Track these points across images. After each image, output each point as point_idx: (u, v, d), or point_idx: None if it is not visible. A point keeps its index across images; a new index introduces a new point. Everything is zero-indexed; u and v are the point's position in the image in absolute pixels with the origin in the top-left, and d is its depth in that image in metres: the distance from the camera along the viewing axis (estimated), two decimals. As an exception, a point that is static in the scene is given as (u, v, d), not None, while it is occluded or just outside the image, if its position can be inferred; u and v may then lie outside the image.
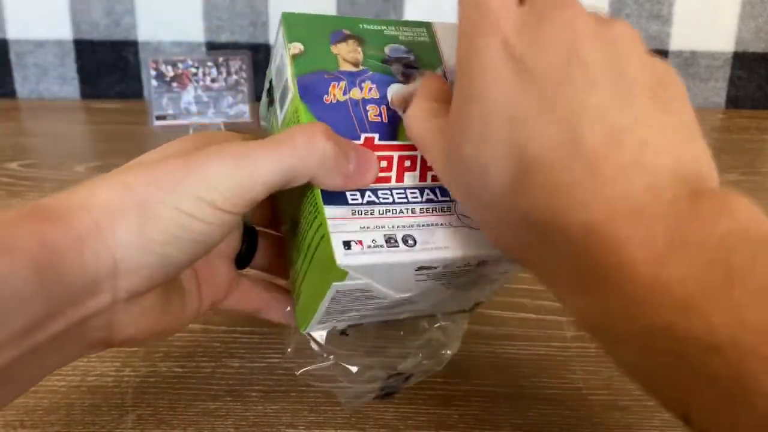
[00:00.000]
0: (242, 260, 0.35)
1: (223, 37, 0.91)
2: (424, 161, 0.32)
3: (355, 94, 0.33)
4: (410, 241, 0.30)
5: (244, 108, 0.76)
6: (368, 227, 0.30)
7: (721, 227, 0.21)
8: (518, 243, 0.27)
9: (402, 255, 0.30)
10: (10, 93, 0.92)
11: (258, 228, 0.36)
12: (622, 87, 0.24)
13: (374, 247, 0.30)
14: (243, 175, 0.27)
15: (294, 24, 0.34)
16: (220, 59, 0.80)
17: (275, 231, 0.36)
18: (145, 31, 0.90)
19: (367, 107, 0.33)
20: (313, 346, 0.34)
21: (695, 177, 0.23)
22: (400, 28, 0.35)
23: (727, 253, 0.20)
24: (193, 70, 0.79)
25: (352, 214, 0.30)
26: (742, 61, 0.88)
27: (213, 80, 0.76)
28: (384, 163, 0.32)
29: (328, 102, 0.32)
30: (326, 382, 0.34)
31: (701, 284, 0.20)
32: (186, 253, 0.27)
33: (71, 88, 0.92)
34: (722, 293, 0.19)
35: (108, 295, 0.26)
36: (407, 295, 0.32)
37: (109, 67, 0.91)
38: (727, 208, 0.21)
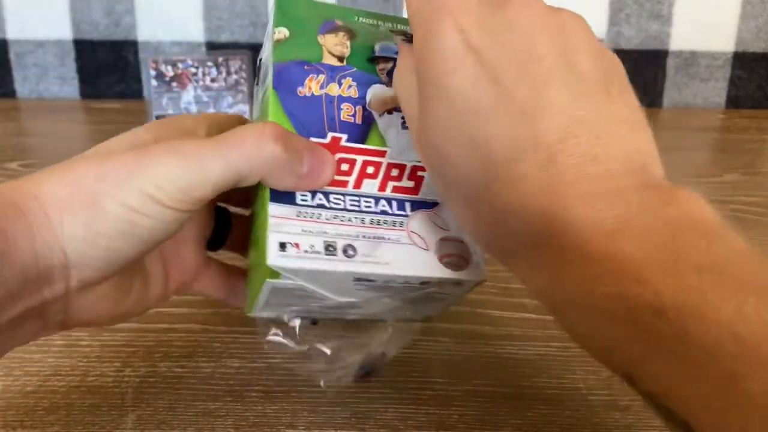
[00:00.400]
0: (213, 243, 0.35)
1: (223, 37, 0.91)
2: (387, 170, 0.31)
3: (332, 89, 0.32)
4: (350, 252, 0.30)
5: (244, 108, 0.76)
6: (311, 231, 0.29)
7: (667, 213, 0.23)
8: (481, 225, 0.27)
9: (337, 264, 0.29)
10: (10, 93, 0.92)
11: (233, 209, 0.36)
12: (575, 80, 0.25)
13: (311, 252, 0.29)
14: (190, 174, 0.27)
15: (286, 7, 0.33)
16: (220, 59, 0.80)
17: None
18: (145, 31, 0.90)
19: (342, 105, 0.32)
20: (284, 339, 0.34)
21: (641, 167, 0.25)
22: (397, 25, 0.34)
23: (672, 236, 0.22)
24: (193, 69, 0.79)
25: (297, 215, 0.30)
26: (742, 61, 0.88)
27: (213, 80, 0.76)
28: (345, 166, 0.31)
29: (302, 95, 0.32)
30: (305, 369, 0.34)
31: (649, 260, 0.22)
32: (134, 248, 0.27)
33: (71, 88, 0.92)
34: (667, 267, 0.21)
35: (61, 284, 0.26)
36: (350, 299, 0.32)
37: (109, 67, 0.91)
38: (674, 197, 0.23)
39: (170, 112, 0.74)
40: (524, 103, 0.25)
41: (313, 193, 0.30)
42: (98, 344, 0.39)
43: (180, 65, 0.79)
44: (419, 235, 0.31)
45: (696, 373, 0.20)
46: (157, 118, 0.73)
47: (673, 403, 0.21)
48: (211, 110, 0.75)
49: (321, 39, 0.33)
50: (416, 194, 0.32)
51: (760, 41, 0.87)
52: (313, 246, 0.29)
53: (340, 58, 0.33)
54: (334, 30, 0.33)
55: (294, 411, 0.35)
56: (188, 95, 0.75)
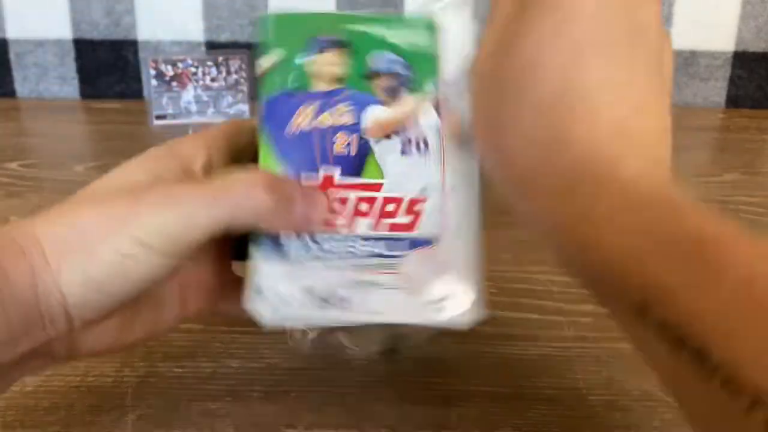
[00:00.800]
0: (240, 252, 0.33)
1: (223, 37, 0.91)
2: (382, 206, 0.30)
3: (325, 120, 0.30)
4: (338, 301, 0.29)
5: (244, 107, 0.76)
6: (294, 277, 0.29)
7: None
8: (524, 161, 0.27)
9: (314, 313, 0.29)
10: (10, 93, 0.92)
11: None
12: (629, 53, 0.26)
13: (293, 300, 0.29)
14: (180, 223, 0.27)
15: (274, 28, 0.31)
16: (220, 59, 0.80)
17: None
18: (145, 31, 0.90)
19: (336, 136, 0.30)
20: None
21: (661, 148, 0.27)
22: (396, 28, 0.31)
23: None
24: (193, 69, 0.79)
25: (281, 259, 0.30)
26: (742, 60, 0.88)
27: (213, 80, 0.76)
28: (338, 205, 0.30)
29: (290, 134, 0.30)
30: (332, 348, 0.35)
31: (674, 192, 0.24)
32: (128, 291, 0.28)
33: (71, 88, 0.92)
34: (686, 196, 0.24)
35: (63, 324, 0.27)
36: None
37: (108, 67, 0.91)
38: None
39: (170, 111, 0.74)
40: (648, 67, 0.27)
41: (303, 238, 0.30)
42: (98, 344, 0.39)
43: (180, 65, 0.79)
44: (412, 279, 0.30)
45: (724, 296, 0.20)
46: (157, 117, 0.73)
47: (688, 328, 0.21)
48: (211, 110, 0.75)
49: (310, 62, 0.31)
50: (412, 231, 0.30)
51: (760, 41, 0.87)
52: (293, 294, 0.29)
53: (333, 80, 0.31)
54: (323, 48, 0.31)
55: (294, 411, 0.35)
56: (188, 95, 0.75)
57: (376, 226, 0.30)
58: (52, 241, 0.27)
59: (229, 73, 0.77)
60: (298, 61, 0.31)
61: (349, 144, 0.30)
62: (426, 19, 0.31)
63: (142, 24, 0.90)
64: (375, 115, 0.31)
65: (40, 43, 0.91)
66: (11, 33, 0.90)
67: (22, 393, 0.35)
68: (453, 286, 0.30)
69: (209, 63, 0.80)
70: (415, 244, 0.30)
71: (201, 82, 0.76)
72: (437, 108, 0.31)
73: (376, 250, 0.30)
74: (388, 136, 0.31)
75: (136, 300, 0.29)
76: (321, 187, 0.30)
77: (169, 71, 0.77)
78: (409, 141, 0.31)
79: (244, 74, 0.77)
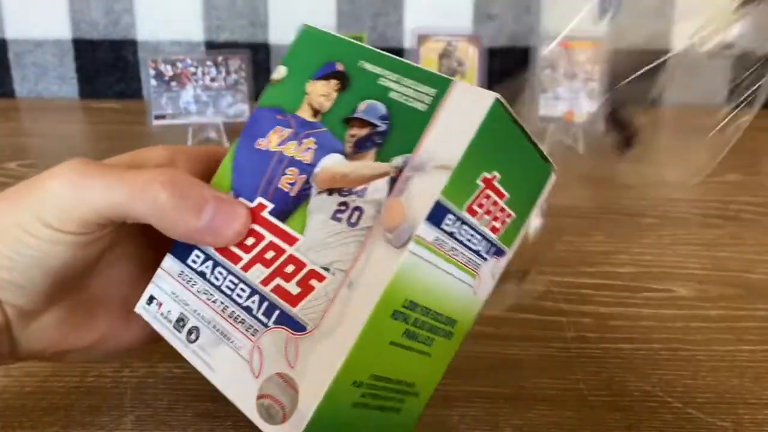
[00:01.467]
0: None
1: (223, 37, 0.91)
2: (283, 264, 0.27)
3: (289, 148, 0.29)
4: (192, 336, 0.28)
5: (243, 107, 0.75)
6: (177, 296, 0.29)
7: None
8: None
9: (175, 342, 0.29)
10: (9, 92, 0.92)
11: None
12: None
13: (164, 318, 0.29)
14: (73, 198, 0.28)
15: (300, 41, 0.30)
16: (220, 59, 0.80)
17: None
18: (144, 31, 0.90)
19: (288, 170, 0.28)
20: None
21: None
22: (405, 81, 0.27)
23: None
24: (193, 69, 0.79)
25: (179, 275, 0.29)
26: (743, 60, 0.88)
27: (212, 79, 0.76)
28: (250, 240, 0.28)
29: (258, 147, 0.29)
30: None
31: None
32: (47, 274, 0.28)
33: (70, 88, 0.92)
34: None
35: (7, 337, 0.28)
36: None
37: (108, 67, 0.91)
38: None
39: (169, 111, 0.74)
40: None
41: (205, 259, 0.29)
42: (97, 344, 0.39)
43: (179, 65, 0.79)
44: (261, 356, 0.26)
45: None
46: (156, 117, 0.73)
47: None
48: (210, 110, 0.75)
49: (309, 85, 0.29)
50: (294, 306, 0.26)
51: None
52: (170, 312, 0.29)
53: (316, 112, 0.29)
54: (326, 76, 0.29)
55: (293, 411, 0.35)
56: (188, 95, 0.75)
57: (266, 281, 0.27)
58: None
59: (228, 73, 0.77)
60: (302, 79, 0.30)
61: (293, 183, 0.28)
62: (444, 80, 0.26)
63: (141, 24, 0.90)
64: (330, 163, 0.28)
65: (40, 43, 0.90)
66: (10, 33, 0.90)
67: (21, 394, 0.35)
68: (289, 391, 0.25)
69: (209, 63, 0.80)
70: (286, 322, 0.26)
71: (200, 82, 0.76)
72: (392, 185, 0.26)
73: (250, 304, 0.27)
74: (330, 191, 0.27)
75: (65, 295, 0.30)
76: (251, 212, 0.29)
77: (169, 71, 0.77)
78: (345, 206, 0.27)
79: (243, 74, 0.76)
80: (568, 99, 0.74)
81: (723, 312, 0.44)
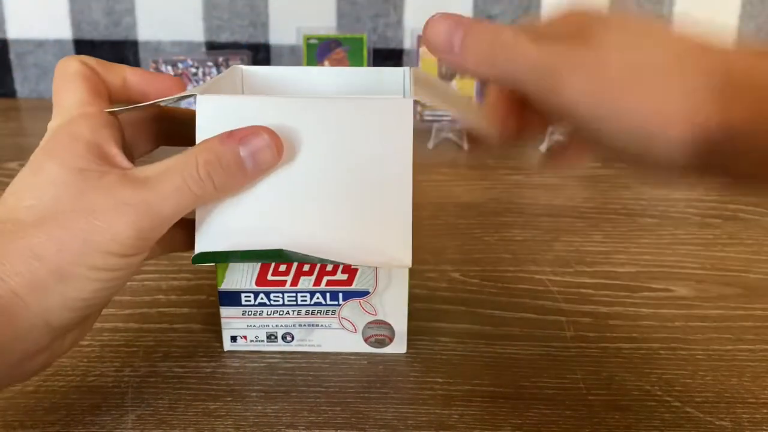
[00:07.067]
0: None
1: (223, 37, 0.91)
2: (322, 266, 0.36)
3: None
4: (288, 339, 0.38)
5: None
6: (254, 325, 0.38)
7: None
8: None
9: (273, 348, 0.39)
10: (10, 93, 0.92)
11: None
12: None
13: (256, 341, 0.38)
14: (146, 226, 0.29)
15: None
16: (220, 59, 0.80)
17: None
18: (145, 31, 0.90)
19: None
20: None
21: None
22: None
23: None
24: (193, 69, 0.79)
25: (243, 314, 0.37)
26: (742, 60, 0.88)
27: (213, 80, 0.76)
28: (283, 267, 0.36)
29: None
30: None
31: None
32: (110, 294, 0.30)
33: (71, 88, 0.92)
34: None
35: (48, 354, 0.29)
36: None
37: (108, 67, 0.91)
38: None
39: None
40: None
41: (256, 293, 0.37)
42: (98, 344, 0.39)
43: (180, 65, 0.79)
44: (349, 321, 0.38)
45: None
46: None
47: None
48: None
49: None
50: (350, 285, 0.37)
51: (760, 41, 0.87)
52: (256, 337, 0.38)
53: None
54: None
55: (294, 411, 0.35)
56: (188, 95, 0.75)
57: (317, 282, 0.36)
58: (18, 276, 0.27)
59: (229, 73, 0.77)
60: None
61: None
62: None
63: (142, 24, 0.90)
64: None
65: (41, 44, 0.91)
66: (11, 33, 0.90)
67: (22, 393, 0.35)
68: (383, 326, 0.38)
69: (209, 63, 0.80)
70: (351, 295, 0.37)
71: (201, 83, 0.76)
72: None
73: (317, 300, 0.37)
74: None
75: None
76: None
77: (170, 71, 0.77)
78: None
79: (244, 74, 0.76)
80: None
81: (722, 311, 0.44)
